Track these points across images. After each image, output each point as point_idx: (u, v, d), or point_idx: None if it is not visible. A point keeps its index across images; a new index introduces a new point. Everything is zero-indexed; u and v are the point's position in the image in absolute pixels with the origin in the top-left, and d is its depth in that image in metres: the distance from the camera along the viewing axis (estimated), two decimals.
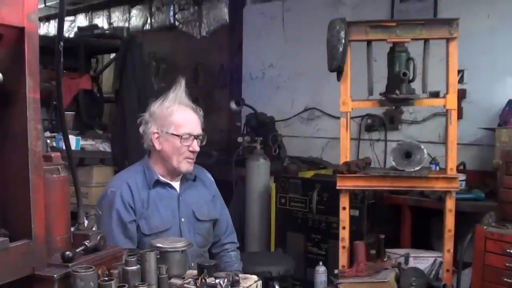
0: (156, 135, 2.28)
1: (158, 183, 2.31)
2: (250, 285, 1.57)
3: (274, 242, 4.26)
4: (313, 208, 3.90)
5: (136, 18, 6.87)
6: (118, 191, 2.24)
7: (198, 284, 1.49)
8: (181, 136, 2.25)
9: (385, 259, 2.66)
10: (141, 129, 2.34)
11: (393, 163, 2.55)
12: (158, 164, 2.33)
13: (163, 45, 6.43)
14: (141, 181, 2.30)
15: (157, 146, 2.29)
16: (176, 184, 2.37)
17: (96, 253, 1.38)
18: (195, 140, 2.29)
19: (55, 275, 1.23)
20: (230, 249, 2.55)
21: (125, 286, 1.33)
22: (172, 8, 6.38)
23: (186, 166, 2.30)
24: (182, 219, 2.32)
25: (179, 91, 2.31)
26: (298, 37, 4.97)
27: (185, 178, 2.39)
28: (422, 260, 2.88)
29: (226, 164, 4.65)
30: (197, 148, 2.30)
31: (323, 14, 4.40)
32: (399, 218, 3.81)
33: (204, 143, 2.35)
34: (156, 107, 2.30)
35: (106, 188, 2.34)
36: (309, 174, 4.31)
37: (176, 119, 2.26)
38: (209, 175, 2.53)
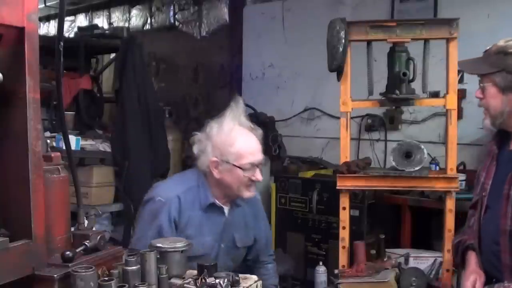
0: (214, 164, 2.13)
1: (211, 205, 2.19)
2: (250, 285, 1.57)
3: (274, 242, 4.26)
4: (313, 208, 3.90)
5: (136, 18, 6.87)
6: (167, 205, 2.11)
7: (198, 284, 1.49)
8: (244, 168, 2.11)
9: (385, 259, 2.65)
10: (195, 149, 2.19)
11: (393, 163, 2.55)
12: (215, 187, 2.20)
13: (163, 45, 6.42)
14: (192, 199, 2.16)
15: (216, 175, 2.14)
16: (226, 208, 2.25)
17: (96, 253, 1.38)
18: (258, 169, 2.15)
19: (55, 275, 1.23)
20: (268, 261, 2.50)
21: (125, 286, 1.33)
22: (172, 8, 6.38)
23: (248, 194, 2.18)
24: (222, 245, 2.23)
25: (237, 112, 2.17)
26: (298, 37, 4.96)
27: (235, 204, 2.28)
28: (422, 260, 2.88)
29: None
30: (261, 178, 2.16)
31: (323, 14, 4.39)
32: (399, 218, 3.81)
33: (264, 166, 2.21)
34: (214, 131, 2.15)
35: (154, 192, 2.20)
36: (309, 174, 4.31)
37: (237, 149, 2.11)
38: (256, 194, 2.36)
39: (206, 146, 2.15)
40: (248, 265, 2.42)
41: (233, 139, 2.11)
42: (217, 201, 2.20)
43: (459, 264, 2.22)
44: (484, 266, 2.03)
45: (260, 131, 2.22)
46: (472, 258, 2.09)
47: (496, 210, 1.96)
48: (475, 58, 2.04)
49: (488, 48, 1.99)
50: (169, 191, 2.17)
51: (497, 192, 1.98)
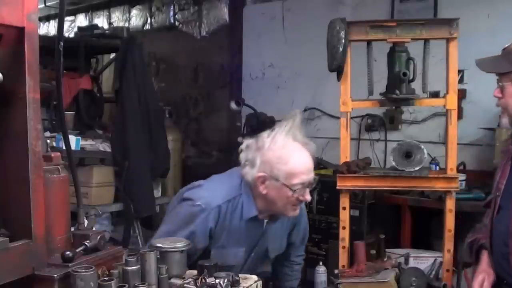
0: (261, 179, 1.99)
1: (252, 218, 2.07)
2: (250, 285, 1.57)
3: None
4: (313, 208, 3.90)
5: (136, 18, 6.87)
6: (205, 212, 1.99)
7: (198, 284, 1.49)
8: (293, 189, 1.98)
9: (385, 259, 2.65)
10: (242, 157, 2.05)
11: (393, 163, 2.55)
12: (260, 201, 2.07)
13: (163, 45, 6.42)
14: (233, 209, 2.04)
15: (262, 190, 2.01)
16: (265, 221, 2.15)
17: (96, 253, 1.38)
18: (307, 189, 2.02)
19: (55, 275, 1.23)
20: (296, 261, 2.48)
21: (125, 286, 1.33)
22: (172, 8, 6.38)
23: (292, 212, 2.07)
24: (252, 254, 2.17)
25: (293, 125, 2.02)
26: (298, 37, 4.96)
27: (276, 217, 2.17)
28: (422, 260, 2.88)
29: (226, 164, 4.63)
30: (309, 198, 2.04)
31: (323, 14, 4.38)
32: (399, 218, 3.82)
33: (314, 185, 2.06)
34: (266, 144, 1.99)
35: (196, 194, 2.06)
36: None
37: (290, 168, 1.96)
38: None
39: (255, 158, 2.01)
40: (278, 262, 2.38)
41: (286, 157, 1.97)
42: (261, 215, 2.10)
43: (473, 263, 2.20)
44: (494, 267, 2.01)
45: (313, 146, 2.05)
46: (484, 258, 2.07)
47: (508, 211, 1.95)
48: (493, 56, 1.99)
49: (506, 46, 1.95)
50: (212, 198, 2.03)
51: (510, 192, 1.96)
